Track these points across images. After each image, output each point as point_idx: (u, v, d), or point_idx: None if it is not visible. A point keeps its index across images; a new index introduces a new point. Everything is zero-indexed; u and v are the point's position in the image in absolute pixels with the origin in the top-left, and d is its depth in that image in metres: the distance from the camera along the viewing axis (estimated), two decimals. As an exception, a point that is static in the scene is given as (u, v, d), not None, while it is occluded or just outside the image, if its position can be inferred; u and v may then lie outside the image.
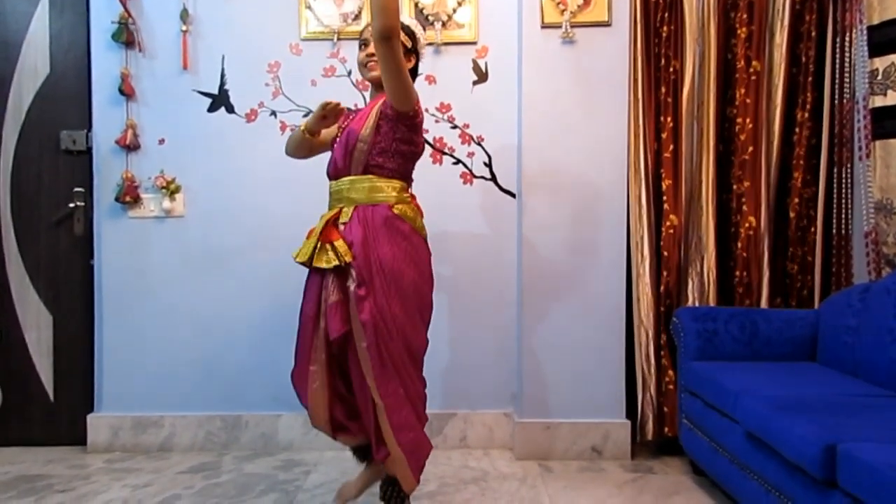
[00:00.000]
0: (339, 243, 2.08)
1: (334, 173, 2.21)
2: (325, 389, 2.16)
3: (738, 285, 2.90)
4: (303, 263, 2.16)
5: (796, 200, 2.89)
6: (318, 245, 2.09)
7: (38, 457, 2.93)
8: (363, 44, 2.22)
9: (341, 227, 2.11)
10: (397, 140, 2.14)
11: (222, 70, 3.00)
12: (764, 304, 2.85)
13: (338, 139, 2.23)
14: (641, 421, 2.86)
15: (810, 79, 2.86)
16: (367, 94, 2.30)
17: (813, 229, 2.88)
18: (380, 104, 2.15)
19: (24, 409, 3.05)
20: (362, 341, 2.06)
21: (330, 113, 2.22)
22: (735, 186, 2.91)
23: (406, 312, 2.11)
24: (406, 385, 2.12)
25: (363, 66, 2.22)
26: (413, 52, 2.25)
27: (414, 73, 2.28)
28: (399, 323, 2.09)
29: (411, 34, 2.23)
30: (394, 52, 1.98)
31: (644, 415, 2.86)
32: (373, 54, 2.13)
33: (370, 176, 2.13)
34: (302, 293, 2.21)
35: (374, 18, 1.96)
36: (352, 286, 2.07)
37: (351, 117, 2.24)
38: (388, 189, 2.14)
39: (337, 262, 2.06)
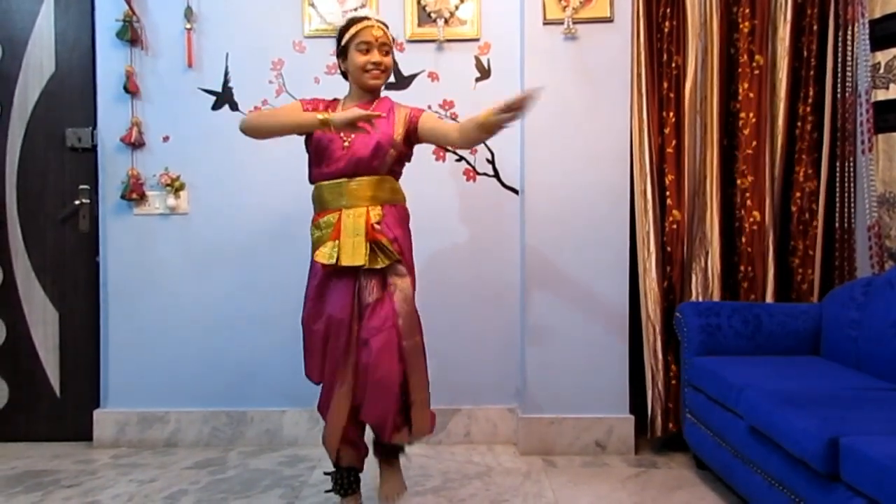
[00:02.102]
0: (387, 241, 2.11)
1: (354, 170, 2.15)
2: (349, 397, 2.14)
3: (742, 280, 2.89)
4: (328, 265, 2.10)
5: (798, 194, 2.88)
6: (368, 246, 2.08)
7: (44, 452, 2.95)
8: (365, 47, 2.16)
9: (377, 227, 2.12)
10: (411, 151, 2.28)
11: (226, 68, 3.01)
12: (770, 298, 2.84)
13: (348, 138, 2.15)
14: (651, 417, 2.86)
15: (812, 73, 2.85)
16: (350, 92, 2.26)
17: (815, 223, 2.87)
18: (408, 116, 2.21)
19: (30, 404, 3.07)
20: (417, 335, 2.16)
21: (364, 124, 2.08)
22: (739, 181, 2.91)
23: None
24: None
25: (364, 70, 2.17)
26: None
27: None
28: None
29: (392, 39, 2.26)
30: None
31: (653, 411, 2.86)
32: (379, 63, 2.16)
33: (391, 178, 2.22)
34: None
35: (483, 138, 2.16)
36: (402, 282, 2.14)
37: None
38: (401, 190, 2.26)
39: (390, 261, 2.10)
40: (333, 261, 2.08)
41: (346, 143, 2.15)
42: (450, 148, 2.97)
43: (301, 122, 2.18)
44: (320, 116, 2.10)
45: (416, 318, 2.19)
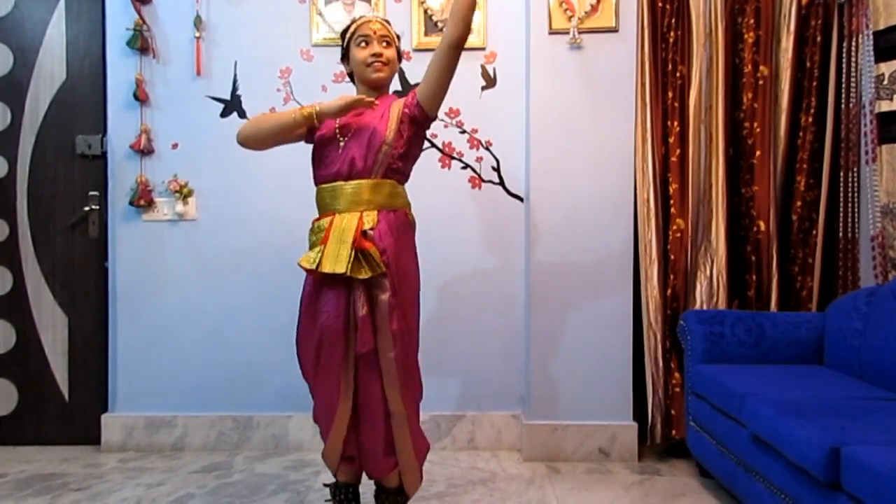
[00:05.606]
0: (374, 251, 1.99)
1: (348, 173, 2.07)
2: (349, 411, 2.08)
3: (747, 289, 2.91)
4: (310, 271, 2.03)
5: (799, 204, 2.90)
6: (352, 254, 1.96)
7: (53, 456, 2.98)
8: (363, 41, 2.12)
9: (369, 233, 2.02)
10: (415, 145, 2.17)
11: (235, 76, 3.04)
12: (773, 307, 2.86)
13: (343, 138, 2.09)
14: (651, 424, 2.88)
15: (815, 84, 2.87)
16: (357, 93, 2.23)
17: (814, 232, 2.89)
18: (400, 107, 2.11)
19: (39, 408, 3.10)
20: (389, 352, 2.03)
21: (361, 108, 2.06)
22: (744, 190, 2.93)
23: (416, 317, 2.16)
24: (419, 389, 2.17)
25: (366, 65, 2.11)
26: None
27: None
28: (413, 328, 2.14)
29: (397, 37, 2.23)
30: (458, 59, 2.03)
31: (653, 418, 2.88)
32: (380, 55, 2.10)
33: (391, 181, 2.10)
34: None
35: (454, 26, 1.99)
36: (383, 296, 2.02)
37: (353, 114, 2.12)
38: (403, 194, 2.16)
39: (373, 273, 1.98)
40: (314, 266, 1.99)
41: (341, 144, 2.08)
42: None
43: (284, 122, 2.10)
44: (306, 111, 2.04)
45: (394, 335, 2.03)
